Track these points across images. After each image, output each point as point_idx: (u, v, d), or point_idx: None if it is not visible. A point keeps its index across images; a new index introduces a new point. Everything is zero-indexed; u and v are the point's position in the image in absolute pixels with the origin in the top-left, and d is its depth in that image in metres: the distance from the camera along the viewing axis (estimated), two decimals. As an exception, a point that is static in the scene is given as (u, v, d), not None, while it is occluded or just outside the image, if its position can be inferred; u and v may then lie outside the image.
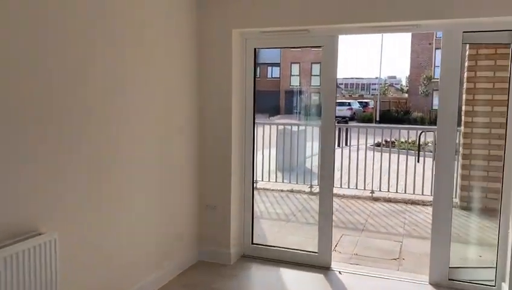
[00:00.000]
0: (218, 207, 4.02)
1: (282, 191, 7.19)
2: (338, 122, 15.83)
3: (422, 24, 3.44)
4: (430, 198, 6.61)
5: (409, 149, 12.39)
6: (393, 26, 3.53)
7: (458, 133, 6.93)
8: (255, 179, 7.50)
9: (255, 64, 4.08)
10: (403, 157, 7.27)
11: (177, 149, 3.70)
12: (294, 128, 8.04)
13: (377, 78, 38.94)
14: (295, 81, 43.16)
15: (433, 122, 30.72)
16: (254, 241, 4.22)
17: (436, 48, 36.28)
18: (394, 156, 7.00)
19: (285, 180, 7.40)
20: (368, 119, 32.98)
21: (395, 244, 4.63)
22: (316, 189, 7.15)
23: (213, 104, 3.96)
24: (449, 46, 3.43)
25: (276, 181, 7.41)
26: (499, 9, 3.08)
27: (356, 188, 7.00)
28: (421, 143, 9.28)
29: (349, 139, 8.86)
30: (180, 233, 3.80)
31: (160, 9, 3.37)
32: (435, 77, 35.99)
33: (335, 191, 7.28)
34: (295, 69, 43.08)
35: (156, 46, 3.33)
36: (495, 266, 3.45)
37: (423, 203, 6.45)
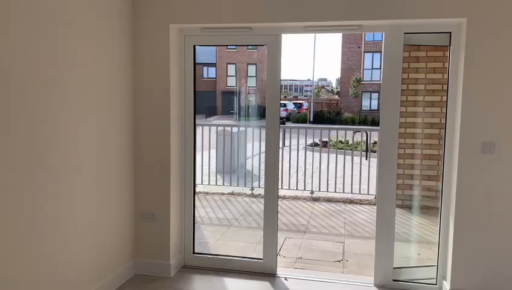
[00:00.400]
0: (156, 215, 3.74)
1: (222, 194, 6.99)
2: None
3: (365, 24, 3.42)
4: (368, 197, 6.78)
5: (343, 148, 12.82)
6: (337, 26, 3.48)
7: (393, 133, 7.21)
8: (201, 182, 7.36)
9: (195, 63, 3.84)
10: (338, 157, 7.39)
11: (111, 154, 3.37)
12: (234, 129, 7.89)
13: (309, 80, 39.99)
14: (232, 82, 43.14)
15: (362, 122, 32.15)
16: (196, 251, 3.99)
17: (364, 52, 38.04)
18: (331, 156, 7.08)
19: (225, 183, 7.22)
20: (303, 120, 33.75)
21: (338, 246, 4.62)
22: (257, 191, 7.05)
23: (150, 103, 3.68)
24: (391, 47, 3.45)
25: (216, 184, 7.20)
26: (440, 11, 3.13)
27: (296, 188, 6.99)
28: (359, 143, 9.52)
29: (287, 140, 8.89)
30: (115, 245, 3.48)
31: (89, 7, 3.03)
32: (364, 79, 37.73)
33: None
34: (231, 69, 43.05)
35: (85, 45, 2.99)
36: (436, 264, 3.52)
37: (361, 202, 6.57)
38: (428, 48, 5.91)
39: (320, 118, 33.40)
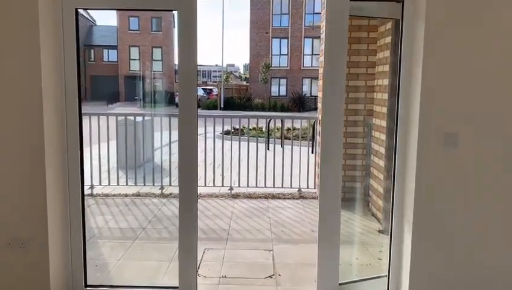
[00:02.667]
0: (28, 240, 2.72)
1: (126, 196, 5.95)
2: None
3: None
4: (290, 190, 6.23)
5: (258, 136, 12.28)
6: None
7: (317, 121, 6.73)
8: (90, 183, 6.21)
9: (78, 33, 2.83)
10: (253, 145, 6.71)
11: None
12: (139, 118, 6.84)
13: (217, 65, 39.13)
14: (135, 66, 40.57)
15: (272, 108, 32.27)
16: (88, 282, 3.03)
17: (272, 37, 38.11)
18: (245, 145, 6.42)
19: (129, 182, 6.18)
20: (213, 106, 32.90)
21: (267, 255, 3.95)
22: (169, 190, 6.14)
23: (10, 87, 2.61)
24: (334, 20, 2.77)
25: (118, 184, 6.12)
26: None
27: (214, 185, 6.21)
28: (273, 130, 8.95)
29: (200, 128, 8.05)
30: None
31: None
32: (272, 65, 37.89)
33: None
34: (134, 52, 40.44)
35: None
36: (387, 275, 3.00)
37: (284, 197, 6.00)
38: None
39: (230, 104, 32.82)
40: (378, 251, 4.05)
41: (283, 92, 38.34)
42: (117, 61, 40.39)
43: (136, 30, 39.95)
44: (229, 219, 5.01)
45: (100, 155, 6.07)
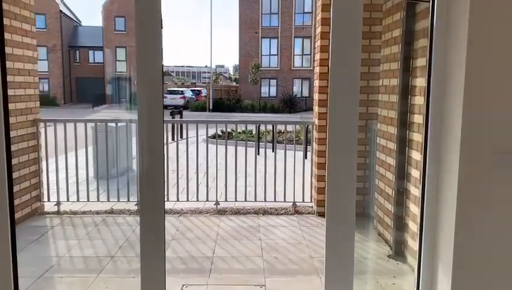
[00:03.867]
0: None
1: (97, 213, 5.22)
2: (171, 113, 14.12)
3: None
4: (284, 205, 5.54)
5: (248, 140, 11.58)
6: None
7: (312, 126, 6.05)
8: (56, 199, 5.44)
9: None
10: (242, 150, 6.00)
11: None
12: (121, 123, 6.13)
13: (206, 66, 38.38)
14: (122, 67, 39.62)
15: (262, 109, 31.57)
16: None
17: (262, 37, 37.45)
18: (234, 150, 5.72)
19: (102, 197, 5.45)
20: (202, 108, 32.12)
21: (258, 292, 3.26)
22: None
23: None
24: (344, 5, 2.10)
25: (88, 200, 5.38)
26: None
27: (197, 199, 5.50)
28: (264, 134, 8.33)
29: (184, 131, 7.36)
30: None
31: None
32: (262, 66, 37.22)
33: (169, 205, 5.76)
34: (121, 54, 39.48)
35: None
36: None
37: (277, 213, 5.32)
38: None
39: (220, 106, 32.05)
40: (391, 284, 3.40)
41: (273, 92, 37.69)
42: (103, 63, 39.41)
43: (123, 30, 39.02)
44: (214, 243, 4.31)
45: (67, 167, 5.33)
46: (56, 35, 38.21)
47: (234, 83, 47.04)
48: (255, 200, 5.48)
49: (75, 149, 5.31)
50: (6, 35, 4.55)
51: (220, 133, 13.52)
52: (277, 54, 37.71)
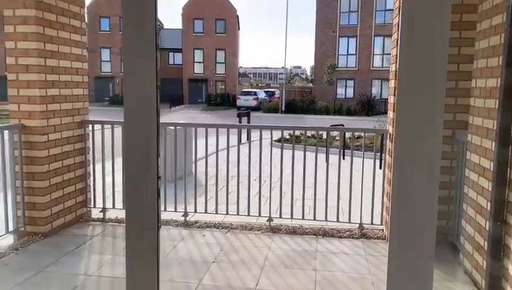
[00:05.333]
0: None
1: (142, 222, 4.85)
2: (238, 114, 13.77)
3: None
4: (348, 226, 4.76)
5: (317, 145, 10.80)
6: None
7: (384, 135, 5.18)
8: (102, 206, 4.91)
9: None
10: (310, 156, 5.28)
11: None
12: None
13: (283, 68, 37.93)
14: (199, 69, 40.55)
15: (337, 111, 30.35)
16: None
17: (339, 36, 36.16)
18: (300, 156, 5.02)
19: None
20: (274, 109, 31.72)
21: None
22: (195, 217, 4.97)
23: None
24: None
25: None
26: None
27: (248, 213, 4.91)
28: (335, 138, 7.56)
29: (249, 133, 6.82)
30: None
31: None
32: (339, 66, 35.92)
33: (219, 218, 4.93)
34: (198, 55, 40.44)
35: None
36: None
37: (339, 235, 4.56)
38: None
39: (292, 107, 31.43)
40: None
41: (350, 94, 36.26)
42: (181, 64, 40.63)
43: (201, 32, 39.92)
44: (260, 269, 3.68)
45: (114, 170, 5.02)
46: (139, 38, 40.07)
47: (310, 84, 46.10)
48: (314, 219, 4.76)
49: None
50: (51, 32, 4.32)
51: (288, 137, 12.91)
52: (355, 54, 36.21)
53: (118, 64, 40.36)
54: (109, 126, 5.10)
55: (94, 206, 5.07)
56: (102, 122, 5.08)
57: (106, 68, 40.27)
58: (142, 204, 1.63)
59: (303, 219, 4.79)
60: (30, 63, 4.17)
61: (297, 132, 12.23)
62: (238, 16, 41.98)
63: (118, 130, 4.96)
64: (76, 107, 4.82)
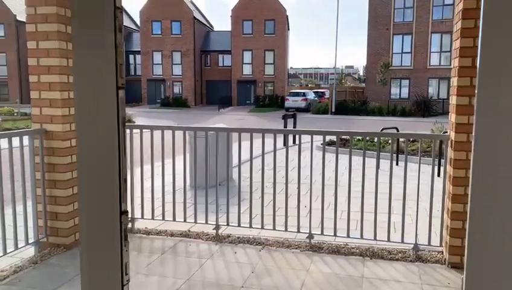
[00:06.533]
0: None
1: (172, 235, 4.50)
2: (284, 116, 13.27)
3: None
4: (401, 246, 4.11)
5: (367, 149, 10.04)
6: None
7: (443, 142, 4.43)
8: (131, 216, 4.58)
9: None
10: (357, 162, 4.67)
11: None
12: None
13: (334, 68, 36.95)
14: (247, 70, 40.42)
15: (391, 112, 28.97)
16: None
17: (394, 34, 34.63)
18: (356, 161, 4.44)
19: (188, 213, 4.67)
20: (324, 110, 30.85)
21: None
22: (227, 230, 4.54)
23: None
24: None
25: (163, 219, 4.68)
26: None
27: (285, 229, 4.39)
28: (387, 142, 6.92)
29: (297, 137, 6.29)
30: None
31: None
32: (393, 65, 34.37)
33: (254, 233, 4.43)
34: (247, 56, 40.30)
35: None
36: None
37: (390, 256, 3.94)
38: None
39: (343, 108, 30.40)
40: None
41: (405, 94, 34.60)
42: (230, 66, 40.69)
43: (250, 34, 39.77)
44: (295, 299, 3.16)
45: (142, 177, 4.70)
46: (189, 41, 40.65)
47: (363, 84, 44.68)
48: (361, 237, 4.16)
49: (161, 158, 4.65)
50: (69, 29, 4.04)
51: (335, 139, 12.23)
52: (410, 52, 34.51)
53: (169, 67, 41.17)
54: (148, 131, 4.77)
55: (122, 216, 4.78)
56: (130, 127, 4.78)
57: (158, 71, 41.19)
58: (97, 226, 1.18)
59: (348, 236, 4.20)
60: (52, 64, 3.91)
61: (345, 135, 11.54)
62: (287, 16, 41.43)
63: (147, 136, 4.63)
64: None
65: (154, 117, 26.53)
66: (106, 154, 1.10)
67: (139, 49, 41.79)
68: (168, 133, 4.56)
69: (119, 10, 1.07)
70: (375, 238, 4.12)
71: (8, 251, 3.63)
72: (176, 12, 39.94)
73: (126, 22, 47.60)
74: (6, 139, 3.61)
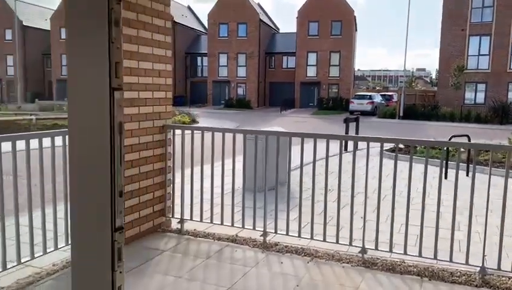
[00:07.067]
0: None
1: (219, 239, 4.42)
2: (345, 119, 12.83)
3: None
4: (465, 268, 3.69)
5: (435, 157, 9.38)
6: None
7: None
8: (180, 217, 4.60)
9: None
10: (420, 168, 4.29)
11: None
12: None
13: (404, 70, 35.44)
14: (312, 72, 39.88)
15: (464, 118, 27.13)
16: None
17: (470, 35, 32.48)
18: (419, 170, 4.09)
19: (236, 215, 4.56)
20: (391, 115, 29.61)
21: None
22: (275, 238, 4.37)
23: None
24: None
25: (211, 222, 4.61)
26: None
27: (337, 241, 4.13)
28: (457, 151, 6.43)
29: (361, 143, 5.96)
30: None
31: None
32: (468, 68, 32.23)
33: (303, 242, 4.21)
34: (312, 58, 39.77)
35: None
36: None
37: (452, 279, 3.55)
38: None
39: (412, 113, 28.98)
40: None
41: (480, 99, 32.33)
42: (294, 68, 40.39)
43: (315, 35, 39.23)
44: (340, 319, 2.92)
45: (192, 178, 4.66)
46: (255, 43, 40.95)
47: (435, 88, 42.42)
48: (420, 255, 3.80)
49: (211, 159, 4.60)
50: (130, 31, 4.10)
51: (402, 146, 11.59)
52: (488, 54, 32.17)
53: (234, 69, 41.76)
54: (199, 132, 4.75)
55: (172, 216, 4.79)
56: (182, 128, 4.77)
57: (223, 72, 41.95)
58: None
59: (405, 253, 3.86)
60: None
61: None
62: (355, 17, 40.37)
63: (208, 136, 4.59)
64: (157, 111, 4.56)
65: (214, 117, 26.97)
66: (97, 164, 0.99)
67: (206, 52, 42.82)
68: (218, 135, 4.49)
69: (115, 1, 0.95)
70: (435, 257, 3.74)
71: (59, 245, 3.73)
72: (243, 14, 40.43)
73: (195, 25, 49.08)
74: (49, 138, 3.70)
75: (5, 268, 3.33)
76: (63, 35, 43.23)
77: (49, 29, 45.88)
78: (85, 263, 1.05)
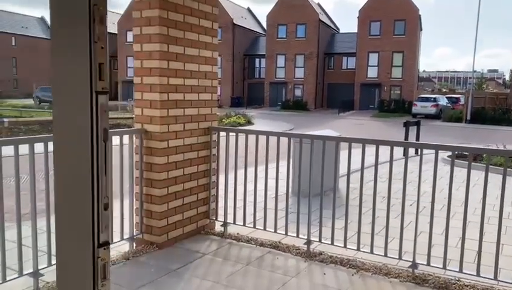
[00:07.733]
0: None
1: (262, 245, 4.31)
2: (405, 123, 12.24)
3: None
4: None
5: (487, 164, 8.60)
6: None
7: None
8: (223, 220, 4.58)
9: None
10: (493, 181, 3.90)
11: None
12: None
13: (472, 71, 33.39)
14: (372, 73, 38.67)
15: (541, 122, 24.94)
16: None
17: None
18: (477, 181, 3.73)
19: (280, 221, 4.43)
20: (457, 118, 27.95)
21: None
22: (320, 247, 4.18)
23: None
24: None
25: (255, 227, 4.51)
26: None
27: (385, 253, 3.86)
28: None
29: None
30: None
31: None
32: (547, 68, 29.59)
33: (349, 253, 3.97)
34: (373, 59, 38.57)
35: None
36: None
37: (516, 304, 3.17)
38: None
39: (480, 117, 27.15)
40: None
41: (561, 102, 29.56)
42: (354, 69, 39.39)
43: (377, 35, 38.01)
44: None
45: (236, 182, 4.59)
46: (313, 44, 40.44)
47: (508, 90, 39.55)
48: (478, 274, 3.45)
49: (254, 163, 4.51)
50: (177, 33, 4.10)
51: (466, 153, 10.79)
52: None
53: (291, 70, 41.53)
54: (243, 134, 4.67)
55: (216, 219, 4.75)
56: (227, 130, 4.72)
57: (280, 74, 41.86)
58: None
59: (461, 271, 3.52)
60: (153, 66, 4.02)
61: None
62: (420, 16, 38.63)
63: (262, 139, 4.51)
64: (203, 113, 4.55)
65: (269, 118, 26.89)
66: (78, 175, 0.91)
67: (264, 53, 42.95)
68: (262, 139, 4.38)
69: (99, -2, 0.87)
70: (495, 278, 3.37)
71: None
72: (302, 15, 40.10)
73: (254, 27, 49.40)
74: (118, 137, 3.79)
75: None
76: (129, 38, 45.65)
77: (116, 32, 48.26)
78: (68, 281, 0.98)
